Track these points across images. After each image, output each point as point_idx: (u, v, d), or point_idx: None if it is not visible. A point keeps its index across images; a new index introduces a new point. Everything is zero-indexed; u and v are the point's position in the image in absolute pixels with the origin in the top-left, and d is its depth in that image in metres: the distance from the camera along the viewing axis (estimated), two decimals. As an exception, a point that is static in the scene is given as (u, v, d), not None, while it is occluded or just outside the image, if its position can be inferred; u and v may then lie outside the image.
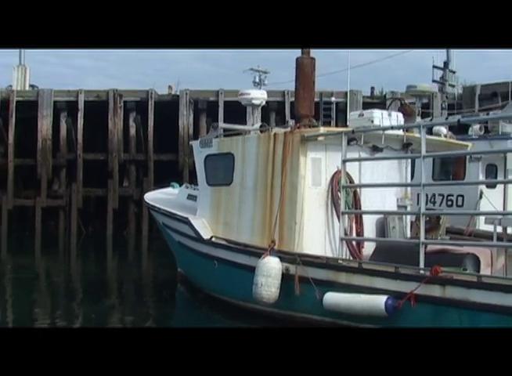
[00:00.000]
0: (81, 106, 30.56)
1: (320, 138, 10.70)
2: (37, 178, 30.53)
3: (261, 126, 12.43)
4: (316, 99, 28.40)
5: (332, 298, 9.67)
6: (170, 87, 32.24)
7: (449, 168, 15.43)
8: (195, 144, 13.18)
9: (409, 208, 11.98)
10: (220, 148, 12.54)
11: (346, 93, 30.35)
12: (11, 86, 32.25)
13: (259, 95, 13.06)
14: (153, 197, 15.35)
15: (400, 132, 11.29)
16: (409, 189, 12.32)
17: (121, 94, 30.67)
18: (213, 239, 12.18)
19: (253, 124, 13.15)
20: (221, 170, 12.42)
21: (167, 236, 14.68)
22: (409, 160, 12.47)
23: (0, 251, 26.63)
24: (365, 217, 11.34)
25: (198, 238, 12.45)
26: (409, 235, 11.80)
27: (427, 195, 13.99)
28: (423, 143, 9.31)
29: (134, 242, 28.22)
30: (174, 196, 14.78)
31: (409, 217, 12.10)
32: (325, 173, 11.05)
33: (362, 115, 11.52)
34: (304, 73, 11.34)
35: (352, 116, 11.85)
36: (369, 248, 10.88)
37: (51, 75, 59.43)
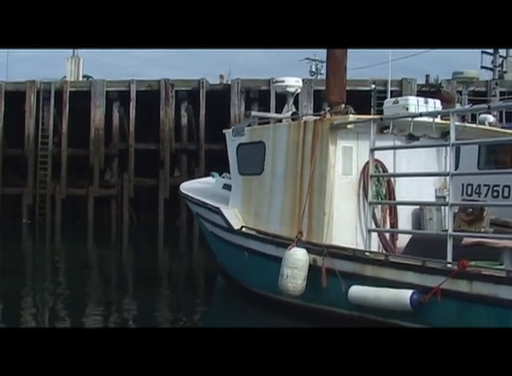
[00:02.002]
0: (133, 96, 30.87)
1: (351, 126, 10.33)
2: (89, 168, 30.97)
3: (292, 114, 12.11)
4: (366, 88, 28.32)
5: (357, 291, 9.34)
6: (221, 76, 32.24)
7: (496, 158, 14.75)
8: (227, 133, 12.97)
9: (448, 199, 11.47)
10: (251, 137, 12.29)
11: (400, 81, 29.79)
12: (65, 77, 32.76)
13: (294, 83, 12.71)
14: (188, 186, 15.21)
15: (439, 120, 10.81)
16: (447, 179, 11.80)
17: (173, 84, 30.85)
18: (243, 229, 11.97)
19: (288, 112, 12.81)
20: (253, 159, 12.16)
21: (201, 226, 14.55)
22: (449, 150, 11.92)
23: (53, 240, 27.16)
24: (400, 208, 10.93)
25: (229, 228, 12.26)
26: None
27: (471, 185, 13.42)
28: (452, 131, 8.88)
29: (185, 232, 28.28)
30: (211, 185, 14.61)
31: (447, 208, 11.59)
32: (356, 162, 10.66)
33: (397, 102, 11.07)
34: (335, 58, 10.96)
35: (387, 103, 11.41)
36: (404, 241, 10.48)
37: (109, 66, 60.24)
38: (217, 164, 25.75)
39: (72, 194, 31.28)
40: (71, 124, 31.42)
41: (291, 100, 12.81)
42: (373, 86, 26.60)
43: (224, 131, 13.16)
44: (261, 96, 30.01)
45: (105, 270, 17.90)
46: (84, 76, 33.77)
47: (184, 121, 31.18)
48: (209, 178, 15.67)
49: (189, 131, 31.15)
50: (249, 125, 12.51)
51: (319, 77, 32.43)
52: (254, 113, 12.91)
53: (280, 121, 12.25)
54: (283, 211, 11.33)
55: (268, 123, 12.46)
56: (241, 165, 12.52)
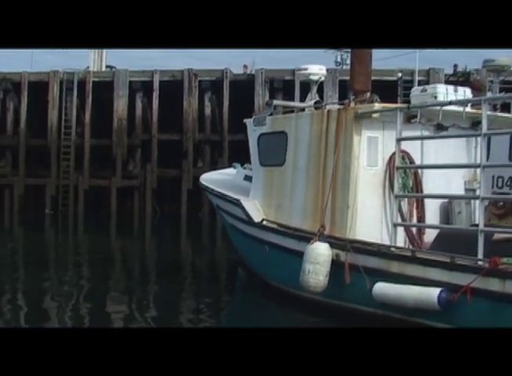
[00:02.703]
0: (156, 86, 30.62)
1: (376, 115, 9.89)
2: (112, 159, 30.84)
3: (315, 103, 11.68)
4: (393, 78, 27.72)
5: (382, 288, 8.93)
6: (245, 66, 31.85)
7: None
8: (249, 122, 12.59)
9: (478, 192, 10.97)
10: (273, 126, 11.90)
11: (427, 71, 29.13)
12: (88, 67, 32.61)
13: (317, 71, 12.28)
14: (209, 178, 14.88)
15: (469, 109, 10.32)
16: (478, 170, 11.29)
17: (196, 74, 30.52)
18: (264, 222, 11.60)
19: (311, 101, 12.37)
20: (274, 150, 11.78)
21: (221, 218, 14.23)
22: (479, 140, 11.41)
23: (76, 231, 27.17)
24: (427, 201, 10.48)
25: (249, 221, 11.91)
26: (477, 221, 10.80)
27: (502, 178, 12.88)
28: (484, 120, 8.41)
29: (208, 223, 27.99)
30: (232, 177, 14.27)
31: (477, 202, 11.09)
32: (382, 153, 10.22)
33: (425, 90, 10.62)
34: (360, 46, 10.51)
35: (415, 91, 10.95)
36: (431, 236, 10.02)
37: (133, 56, 60.04)
38: (240, 155, 25.36)
39: (95, 185, 31.16)
40: (94, 114, 31.27)
41: (315, 88, 12.40)
42: (400, 74, 25.97)
43: (245, 120, 12.78)
44: (285, 86, 29.56)
45: (127, 262, 17.81)
46: (107, 66, 33.57)
47: (207, 111, 30.84)
48: (230, 170, 15.34)
49: (212, 121, 30.83)
50: (271, 115, 12.12)
51: (344, 67, 31.89)
52: (275, 101, 12.51)
53: (303, 110, 11.84)
54: (305, 203, 10.96)
55: (291, 112, 12.04)
56: (262, 156, 12.16)
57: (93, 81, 31.08)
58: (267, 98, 29.45)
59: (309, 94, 12.45)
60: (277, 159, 11.63)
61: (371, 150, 10.17)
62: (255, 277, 12.54)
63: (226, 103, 30.25)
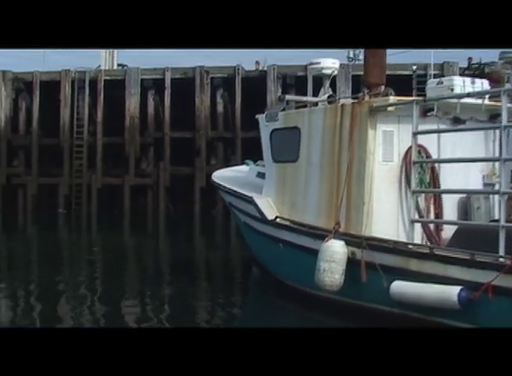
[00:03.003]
0: (167, 83, 30.48)
1: (391, 108, 9.63)
2: (125, 157, 30.73)
3: (329, 97, 11.42)
4: (407, 72, 27.38)
5: (399, 287, 8.66)
6: (257, 63, 31.59)
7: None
8: (261, 118, 12.36)
9: (497, 186, 10.67)
10: (286, 122, 11.67)
11: (441, 65, 28.77)
12: (100, 66, 32.50)
13: (330, 64, 12.03)
14: (221, 175, 14.66)
15: (487, 102, 10.03)
16: (497, 164, 10.99)
17: (208, 71, 30.32)
18: (277, 220, 11.37)
19: (324, 95, 12.11)
20: (287, 145, 11.54)
21: (234, 216, 14.02)
22: (500, 133, 11.09)
23: (89, 230, 27.14)
24: (445, 197, 10.19)
25: (262, 219, 11.68)
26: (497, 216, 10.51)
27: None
28: (504, 112, 8.13)
29: (222, 221, 27.79)
30: (244, 174, 14.04)
31: (496, 197, 10.80)
32: (398, 147, 9.95)
33: (442, 83, 10.31)
34: (374, 37, 10.23)
35: (430, 84, 10.65)
36: (449, 232, 9.74)
37: (144, 54, 59.96)
38: (254, 152, 25.11)
39: (108, 183, 31.08)
40: (106, 112, 31.18)
41: (327, 83, 12.15)
42: (414, 67, 25.62)
43: (257, 116, 12.56)
44: (297, 82, 29.23)
45: (141, 260, 17.74)
46: (118, 65, 33.44)
47: (220, 108, 30.65)
48: (243, 167, 15.13)
49: (224, 118, 30.63)
50: (283, 110, 11.88)
51: (356, 62, 31.51)
52: (288, 96, 12.27)
53: (316, 104, 11.58)
54: (319, 200, 10.72)
55: (304, 107, 11.79)
56: (275, 152, 11.93)
57: (105, 80, 31.00)
58: (279, 94, 29.23)
59: (322, 88, 12.20)
60: (290, 155, 11.41)
61: (386, 145, 9.91)
62: (269, 276, 12.33)
63: (238, 99, 30.04)
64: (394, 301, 8.76)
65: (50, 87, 31.10)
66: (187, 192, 30.70)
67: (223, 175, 14.54)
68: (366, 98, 10.11)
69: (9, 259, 17.25)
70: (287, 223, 11.15)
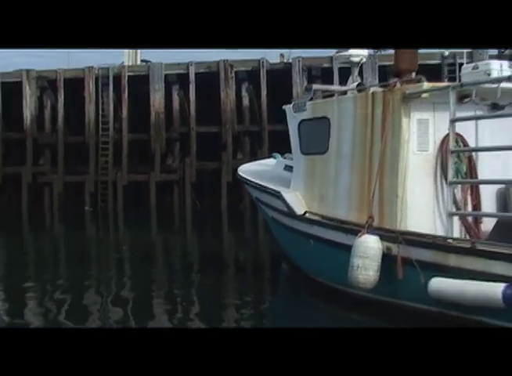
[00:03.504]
0: (192, 78, 30.19)
1: (426, 95, 9.13)
2: (150, 153, 30.52)
3: (358, 85, 10.93)
4: (435, 61, 26.74)
5: (439, 284, 8.16)
6: (282, 55, 31.18)
7: None
8: (288, 108, 11.93)
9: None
10: (314, 112, 11.21)
11: (470, 53, 28.09)
12: (123, 63, 32.33)
13: (358, 52, 11.54)
14: (247, 169, 14.27)
15: None
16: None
17: (232, 64, 29.96)
18: (307, 214, 10.93)
19: (353, 83, 11.64)
20: (316, 137, 11.10)
21: (261, 211, 13.63)
22: None
23: (116, 227, 26.99)
24: (482, 187, 9.66)
25: (291, 214, 11.26)
26: None
27: None
28: None
29: (249, 216, 27.47)
30: (271, 167, 13.63)
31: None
32: (433, 136, 9.43)
33: (477, 68, 9.80)
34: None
35: (465, 69, 10.14)
36: (488, 225, 9.22)
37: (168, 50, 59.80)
38: (280, 145, 24.76)
39: (134, 180, 30.90)
40: (131, 109, 31.04)
41: (356, 71, 11.68)
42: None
43: (284, 107, 12.13)
44: (323, 74, 28.84)
45: (169, 257, 17.60)
46: (142, 61, 33.23)
47: (245, 102, 30.30)
48: (270, 160, 14.73)
49: (250, 112, 30.28)
50: (311, 99, 11.43)
51: (382, 52, 30.94)
52: (315, 86, 11.80)
53: (345, 93, 11.11)
54: (350, 193, 10.25)
55: (332, 97, 11.33)
56: (303, 144, 11.50)
57: (128, 76, 30.81)
58: (306, 84, 28.81)
59: (350, 77, 11.74)
60: (319, 146, 10.96)
61: (421, 134, 9.40)
62: (299, 272, 11.92)
63: (264, 92, 29.67)
64: (432, 298, 8.29)
65: (74, 84, 31.00)
66: (213, 187, 30.45)
67: (250, 169, 14.16)
68: (398, 85, 9.61)
69: (37, 258, 17.20)
70: (317, 218, 10.72)
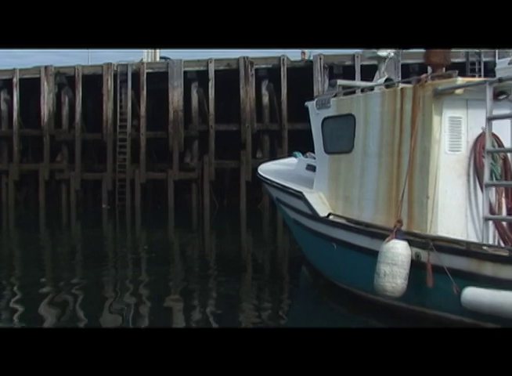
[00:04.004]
0: (211, 75, 29.72)
1: (459, 91, 8.59)
2: (169, 151, 30.15)
3: (386, 80, 10.40)
4: (458, 60, 26.07)
5: (473, 294, 7.66)
6: (303, 52, 30.71)
7: None
8: (311, 105, 11.44)
9: None
10: (339, 109, 10.71)
11: (494, 51, 27.51)
12: (142, 59, 32.02)
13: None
14: (267, 168, 13.80)
15: None
16: None
17: (252, 62, 29.49)
18: (330, 217, 10.42)
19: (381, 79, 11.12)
20: (341, 135, 10.63)
21: (282, 212, 13.15)
22: None
23: (134, 225, 26.66)
24: None
25: (314, 216, 10.78)
26: None
27: None
28: None
29: (268, 216, 27.07)
30: (292, 167, 13.14)
31: None
32: (466, 136, 8.94)
33: (514, 62, 9.23)
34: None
35: (500, 64, 9.60)
36: None
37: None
38: (301, 144, 24.32)
39: (152, 178, 30.55)
40: (149, 106, 30.71)
41: (383, 66, 11.16)
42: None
43: (306, 103, 11.64)
44: (345, 72, 28.25)
45: (187, 257, 17.18)
46: (161, 58, 32.88)
47: (265, 100, 29.81)
48: (290, 159, 14.25)
49: (270, 110, 29.80)
50: (335, 96, 10.91)
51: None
52: (339, 81, 11.29)
53: (372, 89, 10.58)
54: (377, 195, 9.77)
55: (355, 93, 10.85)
56: (327, 142, 11.02)
57: (147, 73, 30.40)
58: (327, 84, 28.18)
59: (377, 72, 11.23)
60: (344, 145, 10.51)
61: (453, 133, 8.91)
62: (321, 277, 11.43)
63: (284, 90, 29.18)
64: (465, 309, 7.80)
65: (92, 81, 30.71)
66: (232, 186, 30.10)
67: (270, 169, 13.70)
68: (429, 80, 9.07)
69: (53, 256, 16.95)
70: (342, 221, 10.22)
